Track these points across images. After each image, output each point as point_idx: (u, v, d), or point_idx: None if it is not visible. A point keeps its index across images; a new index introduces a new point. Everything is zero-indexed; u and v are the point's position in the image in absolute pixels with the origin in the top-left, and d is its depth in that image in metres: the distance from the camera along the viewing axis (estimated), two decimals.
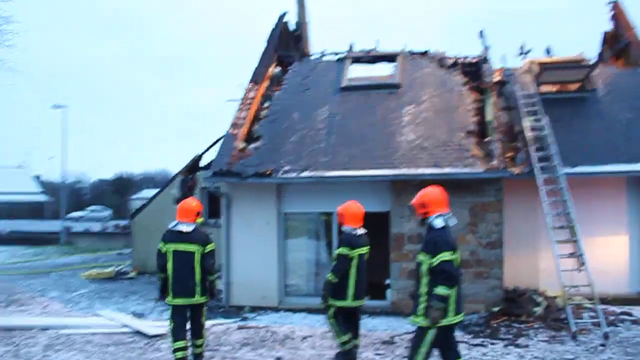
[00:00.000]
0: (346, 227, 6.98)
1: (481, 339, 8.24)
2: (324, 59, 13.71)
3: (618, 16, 13.73)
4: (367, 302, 10.33)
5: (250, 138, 11.63)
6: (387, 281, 10.88)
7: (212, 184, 10.88)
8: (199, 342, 6.99)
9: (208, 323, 8.20)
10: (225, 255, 11.08)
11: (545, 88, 12.52)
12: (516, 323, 9.12)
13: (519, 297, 10.02)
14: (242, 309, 10.76)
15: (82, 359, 7.47)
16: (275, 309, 10.71)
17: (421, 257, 5.31)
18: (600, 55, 14.07)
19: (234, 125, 11.76)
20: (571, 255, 9.28)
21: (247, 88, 12.61)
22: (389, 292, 10.73)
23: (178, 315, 6.90)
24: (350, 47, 13.78)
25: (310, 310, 10.34)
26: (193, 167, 15.43)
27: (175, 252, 6.80)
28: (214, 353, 7.62)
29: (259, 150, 11.15)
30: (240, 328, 9.14)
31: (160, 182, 60.96)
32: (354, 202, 7.22)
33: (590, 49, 15.12)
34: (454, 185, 10.17)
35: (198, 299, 6.85)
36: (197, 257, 6.83)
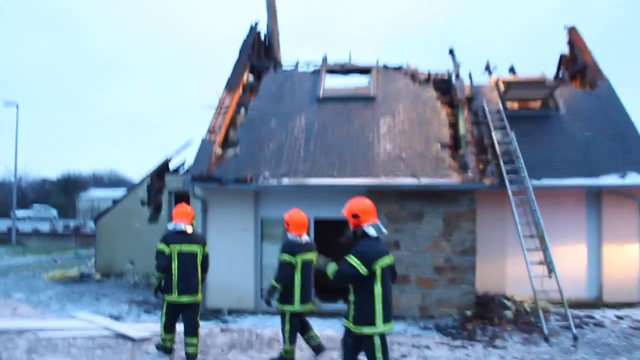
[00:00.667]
0: (290, 235, 7.23)
1: (460, 341, 8.67)
2: (300, 69, 13.95)
3: (575, 40, 14.62)
4: (339, 306, 10.73)
5: (227, 144, 11.72)
6: None
7: (191, 189, 10.90)
8: (194, 340, 7.12)
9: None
10: None
11: (509, 105, 13.20)
12: (489, 326, 9.61)
13: (490, 301, 10.57)
14: (220, 311, 10.83)
15: None
16: (252, 312, 10.84)
17: None
18: (558, 76, 14.95)
19: (211, 131, 11.82)
20: (541, 262, 9.87)
21: (222, 95, 12.71)
22: None
23: (172, 314, 7.22)
24: (324, 59, 14.08)
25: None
26: (161, 170, 15.30)
27: (180, 253, 7.07)
28: (204, 355, 7.69)
29: (237, 156, 11.27)
30: (223, 331, 9.24)
31: (109, 182, 59.62)
32: (298, 210, 7.44)
33: (542, 68, 15.89)
34: (429, 195, 10.67)
35: (199, 296, 7.18)
36: (199, 257, 7.18)
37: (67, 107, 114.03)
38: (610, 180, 11.01)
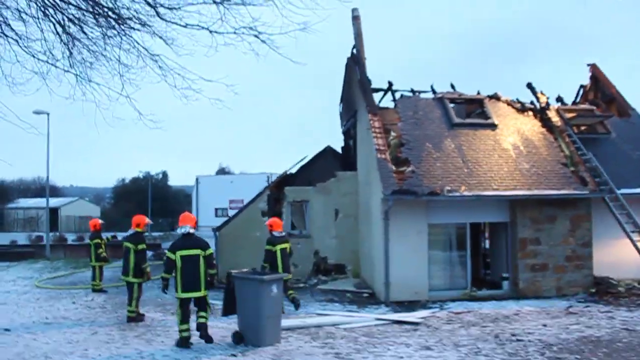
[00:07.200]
0: (275, 232, 11.66)
1: (625, 308, 12.10)
2: (422, 96, 16.56)
3: (598, 75, 18.88)
4: (488, 292, 13.71)
5: (397, 162, 14.04)
6: (504, 274, 14.30)
7: (389, 200, 13.12)
8: None
9: (423, 313, 11.58)
10: (384, 260, 13.43)
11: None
12: (616, 298, 13.20)
13: (602, 281, 14.19)
14: (401, 303, 13.14)
15: (412, 342, 9.46)
16: (430, 302, 13.32)
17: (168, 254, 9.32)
18: (579, 103, 19.09)
19: (379, 150, 14.11)
20: None
21: (370, 118, 14.98)
22: (505, 283, 14.14)
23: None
24: (432, 88, 16.80)
25: (453, 300, 13.33)
26: (281, 182, 16.96)
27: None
28: (496, 322, 10.32)
29: (415, 173, 13.70)
30: (457, 313, 11.76)
31: (37, 190, 54.78)
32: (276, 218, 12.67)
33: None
34: (559, 203, 14.03)
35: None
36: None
37: None
38: None
